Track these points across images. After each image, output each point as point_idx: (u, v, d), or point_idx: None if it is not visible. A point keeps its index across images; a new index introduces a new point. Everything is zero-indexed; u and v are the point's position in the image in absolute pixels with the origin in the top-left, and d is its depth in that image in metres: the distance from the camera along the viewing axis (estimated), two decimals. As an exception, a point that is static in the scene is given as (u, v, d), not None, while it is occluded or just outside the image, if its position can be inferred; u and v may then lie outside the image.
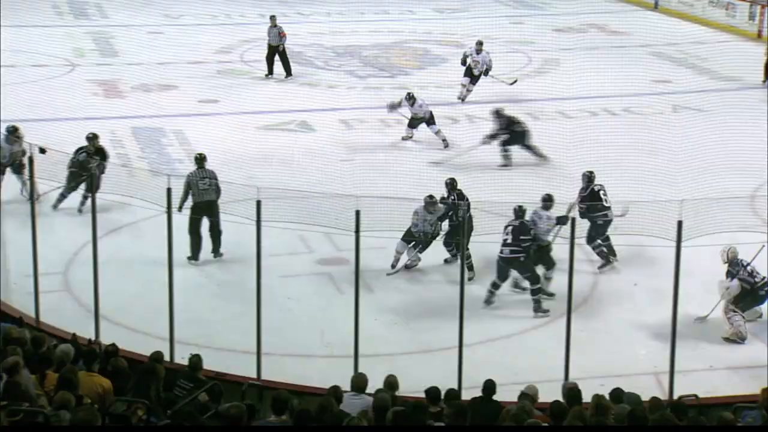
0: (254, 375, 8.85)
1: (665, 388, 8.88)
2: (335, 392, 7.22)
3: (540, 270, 10.98)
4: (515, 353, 10.02)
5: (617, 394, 7.63)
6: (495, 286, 10.95)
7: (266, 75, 20.66)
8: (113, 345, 7.98)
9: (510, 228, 10.75)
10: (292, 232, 12.20)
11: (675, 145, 15.04)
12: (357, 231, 8.66)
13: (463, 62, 19.49)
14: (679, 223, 8.52)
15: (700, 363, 9.72)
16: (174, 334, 9.24)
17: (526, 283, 10.93)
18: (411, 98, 16.54)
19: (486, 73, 19.35)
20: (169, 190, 9.06)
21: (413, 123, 16.63)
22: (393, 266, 11.73)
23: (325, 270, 11.86)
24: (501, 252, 10.77)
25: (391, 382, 7.50)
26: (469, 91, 19.26)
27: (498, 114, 15.75)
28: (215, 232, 12.04)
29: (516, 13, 28.20)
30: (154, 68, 20.48)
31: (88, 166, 12.41)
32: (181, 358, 8.76)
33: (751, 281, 10.30)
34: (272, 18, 21.19)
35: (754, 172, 14.03)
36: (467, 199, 11.68)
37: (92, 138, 13.48)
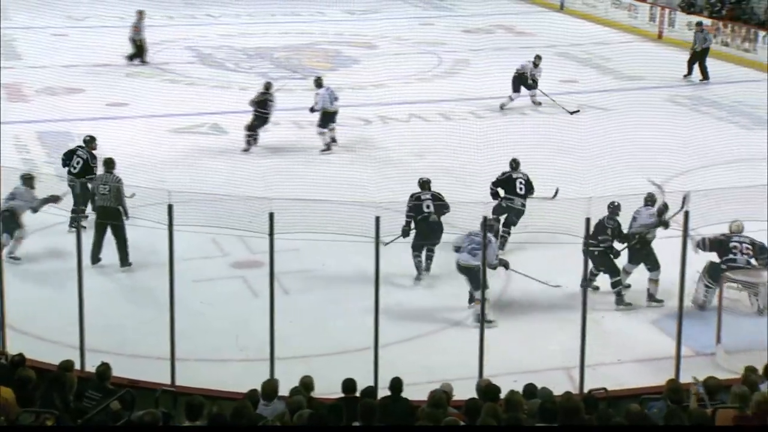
0: (168, 381, 8.72)
1: (576, 382, 9.01)
2: (252, 396, 7.15)
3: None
4: (430, 352, 10.07)
5: (530, 389, 7.73)
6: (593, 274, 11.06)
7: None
8: (20, 355, 7.75)
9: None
10: (204, 236, 12.17)
11: (582, 143, 15.43)
12: (271, 233, 8.60)
13: (520, 78, 18.78)
14: (686, 214, 8.75)
15: (609, 357, 9.90)
16: (85, 342, 9.04)
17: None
18: (318, 83, 16.55)
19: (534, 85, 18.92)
20: (75, 196, 8.88)
21: (324, 121, 16.44)
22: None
23: (239, 273, 11.78)
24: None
25: (306, 384, 7.48)
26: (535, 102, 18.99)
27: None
28: (118, 241, 11.74)
29: (426, 14, 28.40)
30: (59, 71, 20.03)
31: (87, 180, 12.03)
32: (92, 367, 8.55)
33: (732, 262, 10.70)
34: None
35: (657, 169, 14.29)
36: (443, 199, 11.66)
37: (89, 141, 13.00)
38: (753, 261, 10.89)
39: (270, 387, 7.41)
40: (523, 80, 18.83)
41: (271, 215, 8.56)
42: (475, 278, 10.29)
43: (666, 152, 15.15)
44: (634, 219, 11.20)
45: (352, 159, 15.81)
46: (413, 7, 29.13)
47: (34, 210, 11.94)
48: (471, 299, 10.82)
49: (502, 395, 7.13)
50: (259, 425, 6.34)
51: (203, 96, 19.21)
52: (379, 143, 16.58)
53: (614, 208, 11.03)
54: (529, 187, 12.41)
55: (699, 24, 22.06)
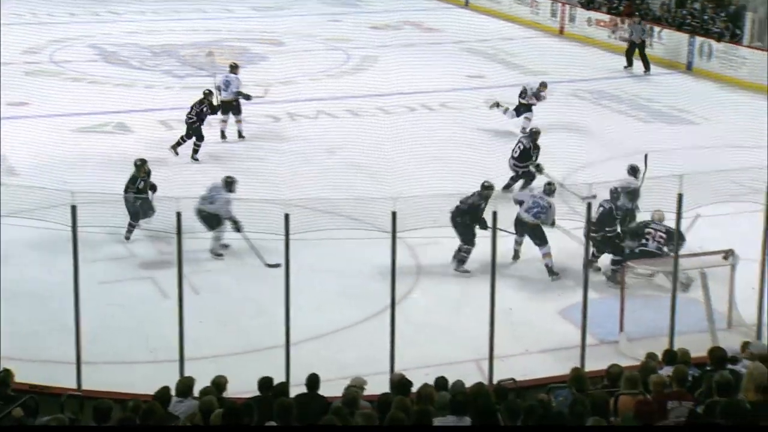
0: (74, 386, 8.56)
1: (486, 373, 9.16)
2: (162, 396, 7.07)
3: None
4: (342, 348, 10.10)
5: (442, 382, 7.79)
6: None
7: None
8: None
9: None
10: (111, 237, 12.07)
11: (490, 138, 15.67)
12: (179, 233, 8.52)
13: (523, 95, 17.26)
14: (679, 196, 9.09)
15: (518, 348, 10.08)
16: (-14, 349, 8.80)
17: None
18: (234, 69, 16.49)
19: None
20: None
21: (226, 109, 16.39)
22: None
23: (147, 274, 11.63)
24: None
25: (218, 383, 7.42)
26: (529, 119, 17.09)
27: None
28: None
29: (333, 10, 28.39)
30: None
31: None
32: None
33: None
34: None
35: (562, 160, 14.64)
36: None
37: (141, 165, 12.63)
38: (665, 248, 11.25)
39: (184, 384, 7.36)
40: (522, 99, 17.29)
41: (179, 214, 8.47)
42: (538, 233, 11.51)
43: (570, 145, 15.48)
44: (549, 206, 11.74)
45: (261, 156, 15.72)
46: (321, 4, 29.07)
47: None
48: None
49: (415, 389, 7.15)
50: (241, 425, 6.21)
51: (107, 95, 18.85)
52: (288, 140, 16.52)
53: (617, 195, 11.60)
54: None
55: (635, 15, 22.73)
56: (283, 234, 8.57)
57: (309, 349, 9.68)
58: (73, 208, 8.46)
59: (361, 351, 9.85)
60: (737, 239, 10.86)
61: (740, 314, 10.43)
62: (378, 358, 9.12)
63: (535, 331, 10.55)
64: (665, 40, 22.93)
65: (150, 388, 7.71)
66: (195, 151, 15.49)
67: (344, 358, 9.75)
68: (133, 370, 9.52)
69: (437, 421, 6.27)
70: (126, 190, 12.40)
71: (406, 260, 11.20)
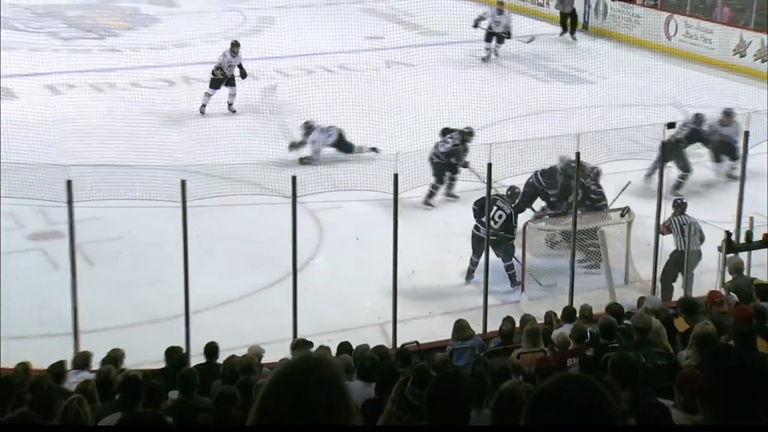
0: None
1: (390, 337, 9.26)
2: (54, 369, 6.99)
3: None
4: (243, 315, 10.05)
5: (345, 346, 7.89)
6: None
7: None
8: None
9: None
10: (-1, 207, 11.80)
11: (390, 99, 15.67)
12: (70, 202, 8.39)
13: (476, 25, 19.30)
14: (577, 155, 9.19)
15: (420, 311, 10.19)
16: None
17: None
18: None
19: (508, 35, 19.34)
20: None
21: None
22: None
23: (38, 245, 11.41)
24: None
25: (114, 356, 7.34)
26: (497, 54, 19.27)
27: None
28: None
29: (228, -30, 28.06)
30: None
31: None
32: None
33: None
34: None
35: (463, 123, 14.56)
36: None
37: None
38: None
39: (81, 357, 7.33)
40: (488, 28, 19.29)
41: (69, 183, 8.34)
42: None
43: (470, 106, 15.60)
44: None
45: (158, 123, 15.41)
46: (215, -37, 28.62)
47: None
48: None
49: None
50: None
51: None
52: (183, 105, 16.25)
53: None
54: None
55: None
56: (180, 201, 8.48)
57: (209, 317, 9.60)
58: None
59: (263, 318, 9.81)
60: (632, 197, 11.20)
61: (637, 271, 10.74)
62: (280, 324, 9.09)
63: (438, 294, 10.64)
64: (562, 0, 23.35)
65: (44, 363, 7.54)
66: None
67: (245, 325, 9.69)
68: (25, 345, 9.18)
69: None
70: None
71: (307, 225, 11.16)
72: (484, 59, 19.63)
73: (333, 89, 15.63)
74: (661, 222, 10.24)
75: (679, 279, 10.35)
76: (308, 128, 13.98)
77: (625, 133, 11.22)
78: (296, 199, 9.05)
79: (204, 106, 16.01)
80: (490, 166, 9.38)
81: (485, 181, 9.63)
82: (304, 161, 13.65)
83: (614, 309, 8.08)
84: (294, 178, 9.00)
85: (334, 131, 14.03)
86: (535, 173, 11.76)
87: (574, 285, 9.75)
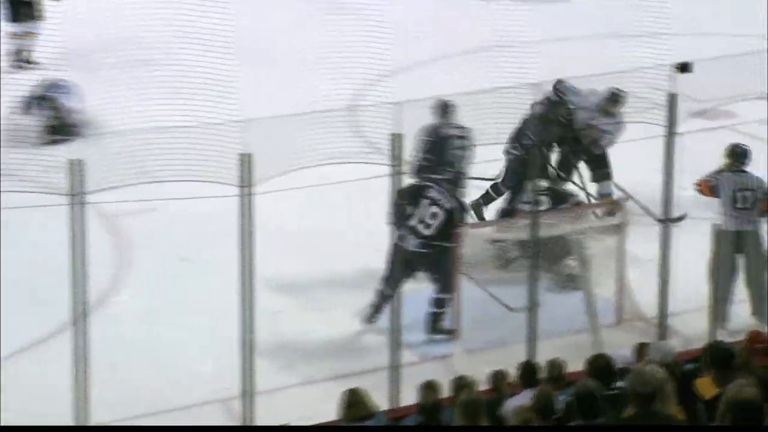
0: None
1: (240, 418, 8.75)
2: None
3: None
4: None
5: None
6: None
7: None
8: None
9: None
10: None
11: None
12: None
13: None
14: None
15: (290, 375, 9.72)
16: None
17: None
18: None
19: None
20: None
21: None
22: None
23: None
24: None
25: None
26: None
27: None
28: None
29: None
30: None
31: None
32: None
33: None
34: None
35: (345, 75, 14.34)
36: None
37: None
38: None
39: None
40: None
41: None
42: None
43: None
44: None
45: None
46: None
47: None
48: None
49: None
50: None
51: None
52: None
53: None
54: None
55: None
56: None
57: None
58: None
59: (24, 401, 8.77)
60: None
61: (635, 301, 10.08)
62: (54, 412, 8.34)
63: (319, 347, 9.99)
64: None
65: None
66: None
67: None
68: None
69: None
70: None
71: (101, 239, 10.43)
72: None
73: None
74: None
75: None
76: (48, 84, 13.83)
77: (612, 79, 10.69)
78: (83, 197, 8.35)
79: None
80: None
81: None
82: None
83: (599, 364, 7.68)
84: (75, 164, 8.17)
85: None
86: (512, 136, 11.07)
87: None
